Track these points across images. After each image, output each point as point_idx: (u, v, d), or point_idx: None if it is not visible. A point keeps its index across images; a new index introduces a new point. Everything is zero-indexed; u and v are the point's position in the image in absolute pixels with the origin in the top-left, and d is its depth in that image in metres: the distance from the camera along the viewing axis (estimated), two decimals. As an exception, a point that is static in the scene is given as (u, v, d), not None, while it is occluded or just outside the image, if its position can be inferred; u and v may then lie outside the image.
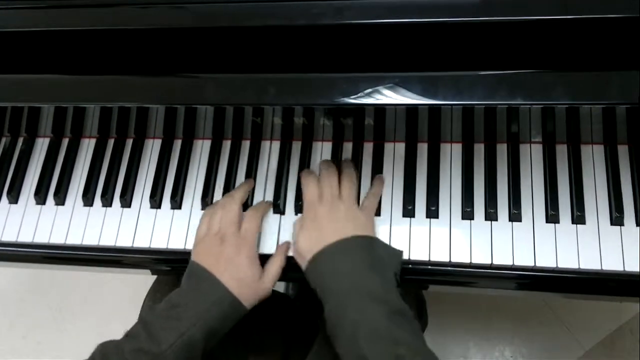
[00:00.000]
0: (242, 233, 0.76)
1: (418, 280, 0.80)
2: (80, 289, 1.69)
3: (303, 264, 0.74)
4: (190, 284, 0.74)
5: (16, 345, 1.64)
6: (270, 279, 0.76)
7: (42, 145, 0.91)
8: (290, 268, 0.78)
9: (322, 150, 0.84)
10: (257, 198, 0.83)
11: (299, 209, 0.81)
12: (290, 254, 0.79)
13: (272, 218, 0.81)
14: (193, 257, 0.76)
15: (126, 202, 0.84)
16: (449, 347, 1.49)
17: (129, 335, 0.70)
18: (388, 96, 0.65)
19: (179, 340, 0.67)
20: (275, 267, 0.77)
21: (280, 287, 1.39)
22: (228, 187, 0.83)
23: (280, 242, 0.80)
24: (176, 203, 0.83)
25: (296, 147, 0.85)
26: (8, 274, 1.76)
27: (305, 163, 0.83)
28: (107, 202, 0.85)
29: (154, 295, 0.93)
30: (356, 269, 0.69)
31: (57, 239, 0.84)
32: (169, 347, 0.67)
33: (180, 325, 0.68)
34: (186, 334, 0.68)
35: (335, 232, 0.72)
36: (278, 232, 0.80)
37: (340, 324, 0.66)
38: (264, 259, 0.78)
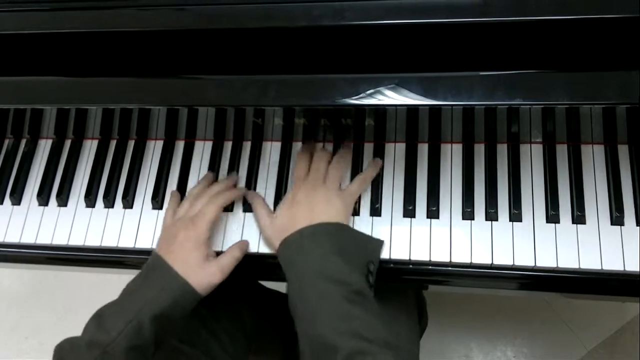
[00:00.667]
0: (194, 217, 0.76)
1: (419, 280, 0.80)
2: (83, 290, 1.69)
3: (275, 242, 0.75)
4: (145, 272, 0.74)
5: (19, 346, 1.64)
6: (219, 266, 0.75)
7: (44, 147, 0.91)
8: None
9: (323, 151, 0.84)
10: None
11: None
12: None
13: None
14: (155, 248, 0.77)
15: (128, 203, 0.85)
16: (450, 347, 1.49)
17: (84, 329, 0.70)
18: (388, 97, 0.66)
19: (128, 327, 0.67)
20: (227, 257, 0.77)
21: (282, 287, 1.39)
22: (229, 188, 0.83)
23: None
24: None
25: (297, 148, 0.85)
26: (11, 275, 1.76)
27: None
28: (109, 203, 0.85)
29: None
30: (318, 254, 0.70)
31: (60, 240, 0.84)
32: (117, 334, 0.67)
33: (128, 312, 0.69)
34: (134, 319, 0.68)
35: (309, 216, 0.73)
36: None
37: (299, 305, 0.68)
38: (262, 257, 0.78)
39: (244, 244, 0.80)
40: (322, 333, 0.64)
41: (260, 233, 0.80)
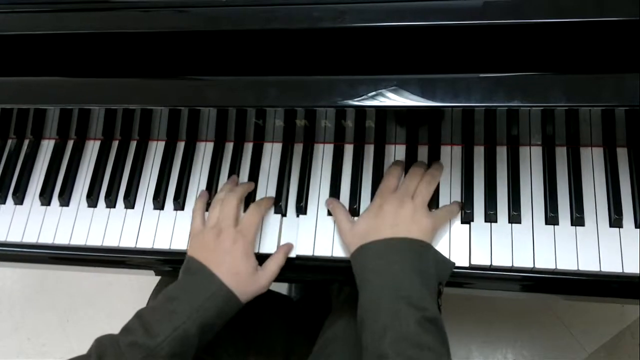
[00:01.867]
0: (240, 227, 0.77)
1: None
2: (85, 291, 1.70)
3: (352, 247, 0.74)
4: (186, 278, 0.74)
5: (21, 347, 1.65)
6: (267, 276, 0.77)
7: (47, 147, 0.92)
8: (291, 268, 0.79)
9: (324, 153, 0.85)
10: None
11: (300, 210, 0.82)
12: (292, 255, 0.79)
13: (273, 218, 0.82)
14: (189, 252, 0.77)
15: (130, 203, 0.85)
16: (451, 349, 1.49)
17: (125, 329, 0.70)
18: (388, 98, 0.66)
19: (174, 334, 0.68)
20: (273, 264, 0.77)
21: (283, 289, 1.40)
22: (230, 189, 0.84)
23: (280, 243, 0.80)
24: (179, 204, 0.84)
25: (297, 149, 0.85)
26: (13, 275, 1.77)
27: (306, 165, 0.84)
28: (111, 203, 0.86)
29: (157, 296, 0.93)
30: (400, 270, 0.69)
31: (62, 239, 0.85)
32: (163, 340, 0.67)
33: (175, 318, 0.69)
34: (181, 327, 0.68)
35: (393, 228, 0.72)
36: (279, 232, 0.81)
37: (370, 317, 0.67)
38: (263, 258, 0.78)
39: (288, 247, 0.80)
40: (388, 354, 0.62)
41: (340, 237, 0.78)
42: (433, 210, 0.77)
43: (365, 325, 0.67)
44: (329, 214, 0.81)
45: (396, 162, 0.81)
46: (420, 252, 0.71)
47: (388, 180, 0.78)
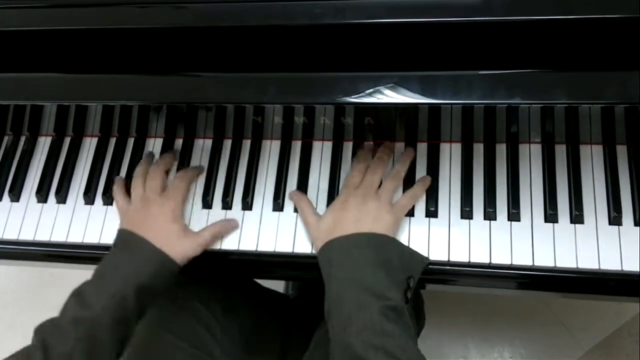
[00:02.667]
0: (166, 193, 0.80)
1: (419, 279, 0.80)
2: (80, 289, 1.69)
3: (318, 241, 0.75)
4: (118, 249, 0.76)
5: (16, 346, 1.63)
6: (198, 239, 0.78)
7: (44, 144, 0.91)
8: (292, 267, 0.78)
9: (323, 150, 0.84)
10: (258, 197, 0.83)
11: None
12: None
13: (272, 215, 0.81)
14: (120, 227, 0.78)
15: (127, 201, 0.85)
16: (447, 347, 1.49)
17: (63, 309, 0.71)
18: (388, 95, 0.66)
19: (112, 301, 0.69)
20: (208, 232, 0.79)
21: (280, 287, 1.39)
22: (228, 186, 0.83)
23: (279, 239, 0.80)
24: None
25: (296, 146, 0.85)
26: (8, 273, 1.76)
27: (305, 162, 0.83)
28: (108, 200, 0.85)
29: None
30: (362, 264, 0.70)
31: (59, 237, 0.84)
32: (102, 309, 0.68)
33: (111, 286, 0.70)
34: (118, 294, 0.69)
35: (356, 224, 0.73)
36: (277, 229, 0.81)
37: (336, 308, 0.68)
38: (261, 257, 0.78)
39: (229, 223, 0.81)
40: (354, 343, 0.63)
41: (306, 231, 0.79)
42: (395, 203, 0.77)
43: (331, 317, 0.69)
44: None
45: (361, 155, 0.81)
46: (383, 245, 0.72)
47: (353, 175, 0.79)
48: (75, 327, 0.67)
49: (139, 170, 0.83)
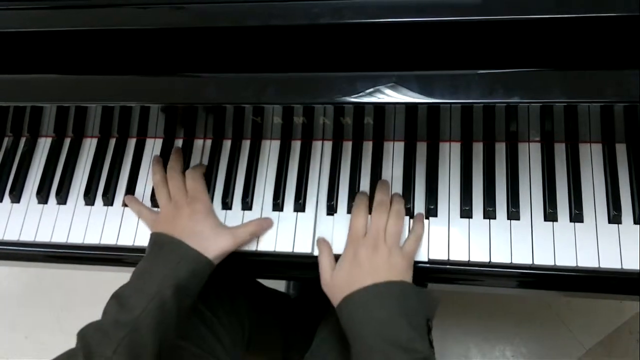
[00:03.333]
0: (190, 194, 0.80)
1: (416, 279, 0.80)
2: (82, 289, 1.69)
3: (335, 299, 0.73)
4: (153, 251, 0.76)
5: (19, 346, 1.64)
6: (233, 234, 0.78)
7: (44, 145, 0.91)
8: (292, 266, 0.78)
9: (322, 150, 0.84)
10: (257, 197, 0.83)
11: (298, 207, 0.81)
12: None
13: (272, 215, 0.81)
14: (152, 231, 0.79)
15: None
16: (449, 347, 1.49)
17: (104, 312, 0.71)
18: (387, 95, 0.66)
19: (151, 304, 0.69)
20: (243, 228, 0.79)
21: (281, 286, 1.40)
22: (228, 186, 0.83)
23: (279, 239, 0.80)
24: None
25: (296, 146, 0.85)
26: (10, 274, 1.76)
27: (305, 162, 0.83)
28: (108, 201, 0.86)
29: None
30: (387, 316, 0.69)
31: (59, 238, 0.85)
32: (141, 311, 0.68)
33: (149, 289, 0.70)
34: (156, 295, 0.70)
35: (372, 275, 0.71)
36: (276, 229, 0.81)
37: None
38: (264, 256, 0.78)
39: (265, 222, 0.81)
40: None
41: (322, 286, 0.77)
42: (403, 249, 0.75)
43: None
44: (329, 213, 0.81)
45: (359, 200, 0.79)
46: (403, 293, 0.71)
47: (356, 223, 0.77)
48: (117, 329, 0.67)
49: (157, 179, 0.83)
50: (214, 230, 0.77)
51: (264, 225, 0.80)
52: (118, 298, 0.71)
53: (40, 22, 0.71)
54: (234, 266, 0.84)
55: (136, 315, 0.68)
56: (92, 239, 0.84)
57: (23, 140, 0.92)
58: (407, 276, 0.74)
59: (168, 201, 0.81)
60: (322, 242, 0.79)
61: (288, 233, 0.80)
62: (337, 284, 0.74)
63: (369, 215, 0.78)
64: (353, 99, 0.67)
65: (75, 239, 0.84)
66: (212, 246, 0.76)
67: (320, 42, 0.69)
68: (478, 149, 0.81)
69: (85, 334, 0.68)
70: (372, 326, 0.68)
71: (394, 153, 0.83)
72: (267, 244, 0.80)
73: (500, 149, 0.80)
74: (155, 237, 0.77)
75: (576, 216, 0.75)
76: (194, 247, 0.74)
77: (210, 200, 0.82)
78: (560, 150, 0.79)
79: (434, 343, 0.70)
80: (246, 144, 0.86)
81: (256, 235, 0.80)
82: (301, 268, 0.80)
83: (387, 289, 0.70)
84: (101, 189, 0.87)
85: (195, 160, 0.87)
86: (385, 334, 0.67)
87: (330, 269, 0.76)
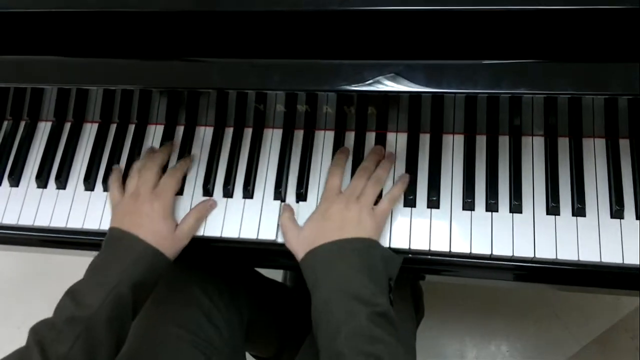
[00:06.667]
0: (157, 190, 0.79)
1: (418, 270, 0.80)
2: (77, 278, 1.68)
3: (300, 253, 0.74)
4: (110, 247, 0.75)
5: (12, 336, 1.63)
6: (184, 232, 0.78)
7: (44, 129, 0.90)
8: (290, 256, 0.78)
9: (325, 139, 0.84)
10: (259, 186, 0.83)
11: (300, 197, 0.81)
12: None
13: (273, 205, 0.81)
14: (111, 224, 0.78)
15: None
16: (445, 341, 1.49)
17: (58, 308, 0.70)
18: (392, 83, 0.66)
19: (107, 299, 0.69)
20: (187, 222, 0.79)
21: (278, 276, 1.39)
22: (230, 174, 0.83)
23: (279, 229, 0.80)
24: (178, 189, 0.83)
25: (298, 135, 0.85)
26: (4, 262, 1.75)
27: (307, 151, 0.83)
28: (107, 186, 0.85)
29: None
30: (348, 271, 0.70)
31: (58, 222, 0.84)
32: (98, 307, 0.68)
33: (106, 284, 0.70)
34: (113, 291, 0.69)
35: (340, 231, 0.73)
36: (278, 217, 0.80)
37: (323, 318, 0.68)
38: (264, 245, 0.78)
39: (207, 202, 0.81)
40: (343, 352, 0.63)
41: (286, 243, 0.78)
42: (375, 207, 0.76)
43: (319, 327, 0.68)
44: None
45: (336, 161, 0.81)
46: (367, 250, 0.72)
47: (332, 181, 0.78)
48: (72, 326, 0.67)
49: (136, 166, 0.83)
50: (171, 233, 0.77)
51: (207, 205, 0.81)
52: (73, 294, 0.70)
53: (42, 3, 0.70)
54: (234, 255, 0.84)
55: (92, 311, 0.68)
56: (91, 224, 0.83)
57: (23, 124, 0.91)
58: (375, 235, 0.74)
59: (134, 192, 0.79)
60: (286, 206, 0.81)
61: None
62: (303, 238, 0.75)
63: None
64: (358, 87, 0.66)
65: (75, 223, 0.83)
66: (170, 247, 0.76)
67: (326, 28, 0.68)
68: (481, 141, 0.81)
69: (38, 331, 0.68)
70: (332, 279, 0.69)
71: (397, 144, 0.82)
72: (268, 232, 0.80)
73: (504, 142, 0.80)
74: (112, 233, 0.76)
75: (578, 210, 0.75)
76: (154, 244, 0.74)
77: (173, 201, 0.80)
78: (563, 144, 0.79)
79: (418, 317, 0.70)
80: (248, 132, 0.86)
81: (203, 219, 0.81)
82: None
83: (350, 244, 0.72)
84: (101, 175, 0.86)
85: (196, 147, 0.86)
86: (345, 287, 0.68)
87: (294, 227, 0.77)
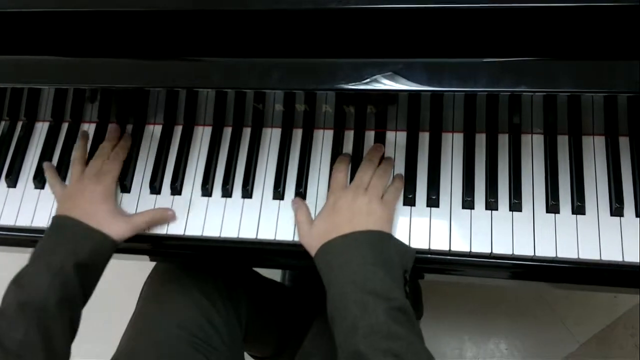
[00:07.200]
0: (101, 173, 0.81)
1: (418, 269, 0.80)
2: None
3: (313, 248, 0.74)
4: (53, 233, 0.76)
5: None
6: (131, 222, 0.79)
7: (41, 130, 0.90)
8: (292, 255, 0.78)
9: (324, 138, 0.84)
10: (258, 185, 0.82)
11: (299, 196, 0.81)
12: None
13: (273, 204, 0.81)
14: (57, 211, 0.79)
15: (126, 187, 0.84)
16: (444, 339, 1.49)
17: (5, 297, 0.71)
18: (391, 82, 0.65)
19: (55, 282, 0.70)
20: (142, 217, 0.80)
21: (277, 276, 1.39)
22: (228, 174, 0.83)
23: (280, 228, 0.80)
24: (176, 189, 0.83)
25: (297, 134, 0.84)
26: (2, 262, 1.74)
27: (306, 150, 0.83)
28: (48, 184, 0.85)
29: (152, 283, 0.92)
30: (362, 264, 0.68)
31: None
32: (45, 290, 0.69)
33: (50, 267, 0.71)
34: (59, 274, 0.70)
35: (351, 223, 0.72)
36: (277, 217, 0.80)
37: (340, 314, 0.67)
38: (263, 245, 0.77)
39: (164, 212, 0.81)
40: (362, 349, 0.62)
41: (299, 239, 0.78)
42: (383, 197, 0.76)
43: (335, 323, 0.67)
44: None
45: (341, 157, 0.81)
46: (381, 242, 0.71)
47: (337, 176, 0.78)
48: (23, 311, 0.68)
49: (75, 155, 0.85)
50: (110, 215, 0.78)
51: (164, 214, 0.81)
52: (18, 282, 0.71)
53: (40, 3, 0.69)
54: (232, 255, 0.83)
55: (41, 294, 0.69)
56: (89, 224, 0.83)
57: (20, 124, 0.91)
58: (386, 227, 0.74)
59: (77, 179, 0.81)
60: (298, 201, 0.80)
61: (289, 221, 0.80)
62: (315, 234, 0.75)
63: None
64: (357, 86, 0.66)
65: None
66: (111, 227, 0.77)
67: (326, 27, 0.68)
68: (481, 140, 0.80)
69: None
70: (347, 273, 0.68)
71: (397, 143, 0.82)
72: (267, 232, 0.80)
73: (503, 140, 0.80)
74: (55, 220, 0.77)
75: (578, 208, 0.75)
76: (95, 226, 0.75)
77: (115, 185, 0.82)
78: (563, 142, 0.79)
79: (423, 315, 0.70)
80: (247, 132, 0.85)
81: (153, 224, 0.81)
82: (301, 257, 0.79)
83: (363, 237, 0.71)
84: (99, 175, 0.85)
85: (195, 146, 0.86)
86: (360, 280, 0.67)
87: (307, 222, 0.77)
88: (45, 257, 0.73)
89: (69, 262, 0.71)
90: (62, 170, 0.86)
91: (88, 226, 0.75)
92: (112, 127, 0.87)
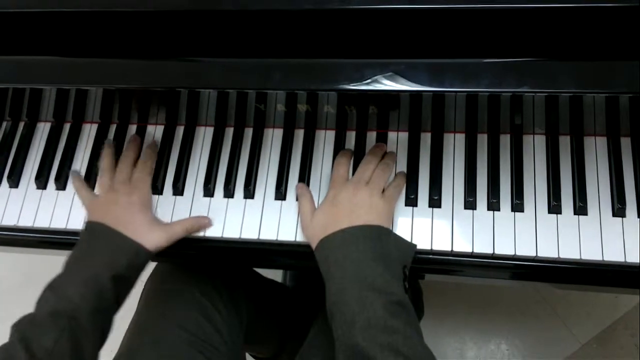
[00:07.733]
0: (133, 183, 0.80)
1: (420, 269, 0.80)
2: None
3: (312, 241, 0.74)
4: (88, 240, 0.75)
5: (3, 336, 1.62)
6: (168, 231, 0.78)
7: (43, 130, 0.90)
8: (296, 256, 0.78)
9: (326, 139, 0.84)
10: (260, 185, 0.82)
11: (300, 196, 0.81)
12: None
13: (274, 204, 0.81)
14: (88, 219, 0.78)
15: (127, 187, 0.84)
16: (445, 339, 1.49)
17: (39, 302, 0.70)
18: (393, 82, 0.65)
19: (89, 291, 0.69)
20: (179, 225, 0.79)
21: (278, 277, 1.39)
22: (230, 174, 0.83)
23: (282, 228, 0.79)
24: (178, 190, 0.83)
25: (299, 135, 0.84)
26: (3, 264, 1.74)
27: (308, 151, 0.83)
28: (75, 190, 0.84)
29: (153, 283, 0.92)
30: (361, 258, 0.68)
31: (58, 223, 0.84)
32: (79, 300, 0.68)
33: (86, 277, 0.70)
34: (94, 284, 0.69)
35: (350, 217, 0.72)
36: (279, 217, 0.80)
37: (338, 309, 0.67)
38: (265, 245, 0.77)
39: (202, 220, 0.80)
40: (359, 343, 0.62)
41: (302, 230, 0.78)
42: (384, 192, 0.76)
43: (334, 317, 0.67)
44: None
45: (343, 151, 0.81)
46: (380, 237, 0.71)
47: (338, 169, 0.78)
48: (55, 320, 0.67)
49: (104, 164, 0.83)
50: (148, 225, 0.77)
51: (201, 223, 0.80)
52: (53, 289, 0.70)
53: (41, 3, 0.69)
54: (234, 255, 0.83)
55: (75, 304, 0.68)
56: (91, 225, 0.83)
57: (22, 125, 0.91)
58: (386, 222, 0.74)
59: (109, 188, 0.80)
60: (303, 187, 0.79)
61: (291, 222, 0.80)
62: (315, 226, 0.74)
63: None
64: (359, 86, 0.66)
65: (75, 225, 0.83)
66: (147, 237, 0.75)
67: (327, 27, 0.67)
68: (483, 140, 0.80)
69: (21, 327, 0.68)
70: (346, 267, 0.68)
71: (398, 143, 0.82)
72: (269, 233, 0.80)
73: (505, 140, 0.80)
74: (90, 226, 0.76)
75: (580, 209, 0.75)
76: (132, 237, 0.74)
77: (151, 193, 0.81)
78: (565, 142, 0.79)
79: (423, 307, 0.69)
80: (249, 132, 0.85)
81: (191, 232, 0.79)
82: (303, 258, 0.79)
83: (363, 231, 0.71)
84: (101, 176, 0.85)
85: (196, 147, 0.86)
86: (360, 275, 0.67)
87: (310, 213, 0.76)
88: (80, 266, 0.72)
89: (106, 273, 0.70)
90: (63, 171, 0.86)
91: (125, 236, 0.74)
92: (132, 137, 0.86)
